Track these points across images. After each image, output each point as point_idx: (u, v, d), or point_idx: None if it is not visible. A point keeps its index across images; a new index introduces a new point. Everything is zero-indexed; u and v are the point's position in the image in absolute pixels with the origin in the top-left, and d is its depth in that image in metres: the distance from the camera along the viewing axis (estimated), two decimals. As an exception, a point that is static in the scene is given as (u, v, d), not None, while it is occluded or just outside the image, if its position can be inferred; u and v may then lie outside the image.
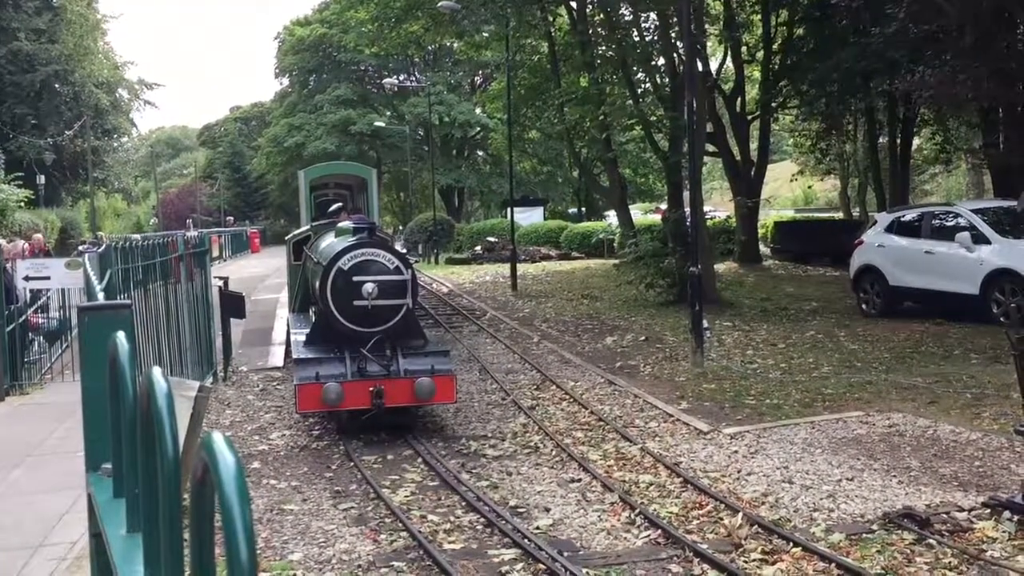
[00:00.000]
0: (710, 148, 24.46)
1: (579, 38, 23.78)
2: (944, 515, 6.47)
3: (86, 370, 1.70)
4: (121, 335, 1.34)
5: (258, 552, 6.34)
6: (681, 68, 18.66)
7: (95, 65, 46.34)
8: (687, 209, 17.37)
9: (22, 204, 27.60)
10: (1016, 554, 5.86)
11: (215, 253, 34.83)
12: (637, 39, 22.78)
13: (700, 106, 16.87)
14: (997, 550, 5.93)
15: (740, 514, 6.70)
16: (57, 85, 44.71)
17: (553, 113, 27.07)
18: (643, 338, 15.13)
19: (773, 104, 26.10)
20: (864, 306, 16.44)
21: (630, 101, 22.93)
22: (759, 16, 25.98)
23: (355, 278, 9.26)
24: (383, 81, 55.23)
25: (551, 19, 25.66)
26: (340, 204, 13.19)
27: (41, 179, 38.10)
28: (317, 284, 9.67)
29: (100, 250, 10.15)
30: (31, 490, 7.08)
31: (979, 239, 14.32)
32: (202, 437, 0.82)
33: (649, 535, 6.59)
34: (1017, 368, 6.52)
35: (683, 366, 12.58)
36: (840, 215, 38.07)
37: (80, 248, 24.53)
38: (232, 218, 64.30)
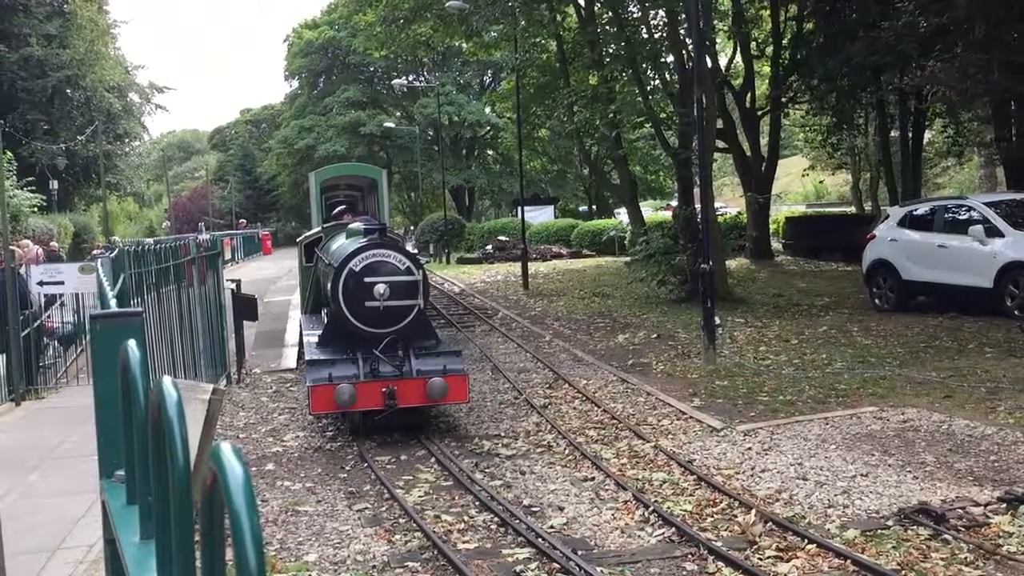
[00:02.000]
0: (720, 144, 24.39)
1: (588, 36, 23.75)
2: (960, 510, 6.44)
3: (98, 377, 1.72)
4: (132, 343, 1.35)
5: (273, 554, 6.37)
6: (690, 64, 18.61)
7: (106, 70, 46.50)
8: (698, 205, 17.32)
9: (35, 209, 27.78)
10: (1033, 549, 5.83)
11: (227, 255, 34.97)
12: (646, 36, 22.74)
13: (710, 102, 16.80)
14: (1014, 545, 5.90)
15: (754, 511, 6.69)
16: (68, 90, 44.91)
17: (563, 112, 27.04)
18: (655, 335, 15.11)
19: (783, 99, 25.99)
20: (877, 301, 16.37)
21: (639, 98, 22.88)
22: (768, 11, 25.89)
23: (366, 279, 9.29)
24: (392, 82, 55.37)
25: (559, 18, 25.64)
26: (344, 206, 13.11)
27: (54, 184, 38.30)
28: (329, 286, 9.70)
29: (113, 254, 10.21)
30: (48, 493, 7.13)
31: (992, 232, 14.24)
32: (212, 446, 0.83)
33: (663, 533, 6.58)
34: (1032, 362, 6.49)
35: (695, 363, 12.56)
36: (852, 210, 37.89)
37: (93, 253, 24.65)
38: (244, 220, 64.48)
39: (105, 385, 1.67)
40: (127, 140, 53.27)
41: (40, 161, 39.55)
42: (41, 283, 11.92)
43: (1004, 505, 6.46)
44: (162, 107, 76.23)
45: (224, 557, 0.88)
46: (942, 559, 5.76)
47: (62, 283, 11.92)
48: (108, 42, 49.03)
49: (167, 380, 1.08)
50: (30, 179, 29.80)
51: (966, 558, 5.75)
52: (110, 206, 50.24)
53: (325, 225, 13.15)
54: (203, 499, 0.85)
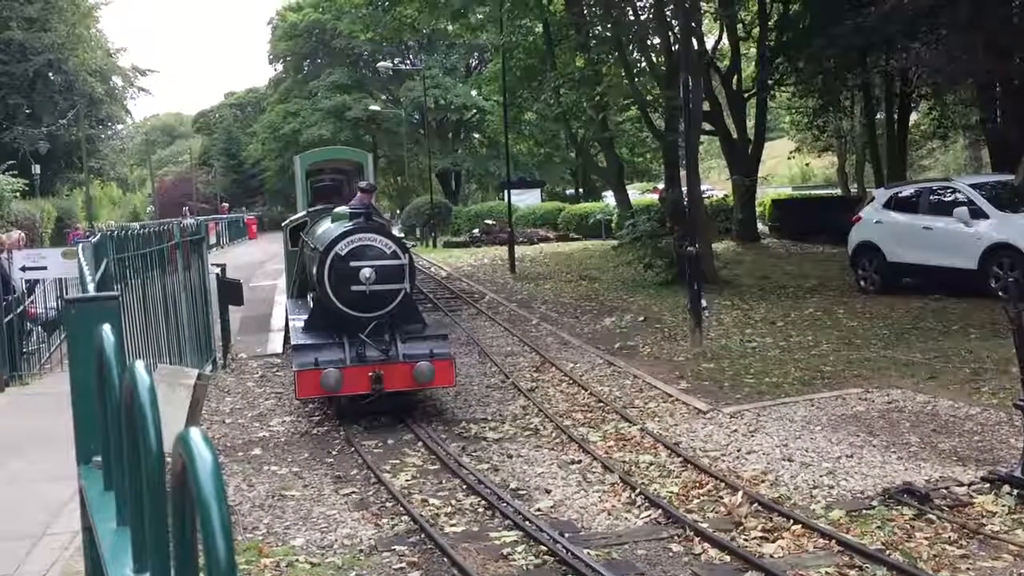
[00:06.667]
0: (707, 127, 24.35)
1: (574, 18, 23.65)
2: (944, 490, 6.48)
3: (74, 362, 1.69)
4: (107, 327, 1.33)
5: (260, 538, 6.35)
6: (677, 46, 18.55)
7: (88, 53, 46.06)
8: (684, 188, 17.32)
9: (17, 194, 27.57)
10: (1015, 528, 5.88)
11: (212, 240, 34.77)
12: (632, 18, 22.66)
13: (696, 84, 16.76)
14: (997, 524, 5.95)
15: (740, 492, 6.72)
16: (50, 74, 44.49)
17: (549, 94, 26.94)
18: (642, 318, 15.13)
19: (770, 81, 25.94)
20: (862, 283, 16.42)
21: (626, 81, 22.81)
22: (754, -8, 25.79)
23: (352, 263, 9.25)
24: (378, 65, 54.95)
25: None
26: (370, 184, 12.45)
27: (36, 169, 37.98)
28: (314, 270, 9.66)
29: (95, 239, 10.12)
30: (33, 480, 7.08)
31: (977, 214, 14.29)
32: (179, 433, 0.81)
33: (650, 515, 6.61)
34: (1015, 342, 6.52)
35: (682, 346, 12.58)
36: (838, 192, 37.96)
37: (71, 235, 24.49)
38: (227, 204, 64.02)
39: (81, 370, 1.65)
40: (110, 124, 52.88)
41: (22, 146, 39.22)
42: (24, 268, 11.82)
43: (987, 485, 6.51)
44: (145, 90, 75.42)
45: (196, 544, 0.87)
46: (926, 538, 5.80)
47: (45, 268, 11.83)
48: (90, 24, 48.54)
49: (140, 365, 1.06)
50: (11, 163, 29.56)
51: (950, 537, 5.79)
52: (93, 191, 49.90)
53: (311, 209, 13.06)
54: (173, 486, 0.83)
